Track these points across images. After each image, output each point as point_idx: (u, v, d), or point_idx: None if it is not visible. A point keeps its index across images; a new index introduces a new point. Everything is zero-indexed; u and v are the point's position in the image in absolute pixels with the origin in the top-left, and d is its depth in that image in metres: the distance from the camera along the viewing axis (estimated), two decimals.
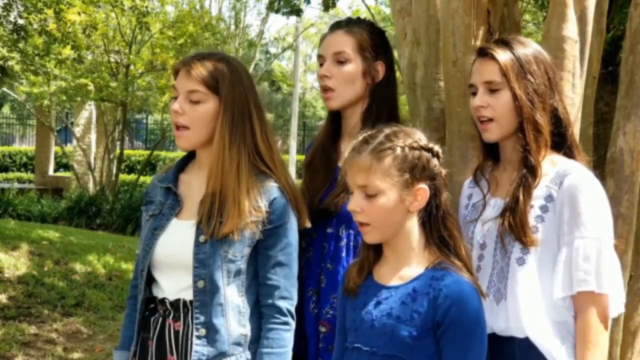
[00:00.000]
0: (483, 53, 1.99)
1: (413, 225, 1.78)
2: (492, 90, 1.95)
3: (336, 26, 2.29)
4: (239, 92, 2.01)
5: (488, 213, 1.98)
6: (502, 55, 1.94)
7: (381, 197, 1.74)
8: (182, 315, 1.97)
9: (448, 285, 1.71)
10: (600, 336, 1.83)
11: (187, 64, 2.01)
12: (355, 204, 1.77)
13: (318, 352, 2.15)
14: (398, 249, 1.79)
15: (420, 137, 1.78)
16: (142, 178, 16.19)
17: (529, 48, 1.97)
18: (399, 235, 1.78)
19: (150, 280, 2.05)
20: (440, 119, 2.52)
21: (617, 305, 1.89)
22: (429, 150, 1.77)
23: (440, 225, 1.78)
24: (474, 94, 1.99)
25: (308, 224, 2.07)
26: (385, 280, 1.81)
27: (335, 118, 2.33)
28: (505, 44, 1.97)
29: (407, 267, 1.78)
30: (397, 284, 1.78)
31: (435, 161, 1.78)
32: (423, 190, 1.75)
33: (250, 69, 19.82)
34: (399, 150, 1.74)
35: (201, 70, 1.99)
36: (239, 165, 1.97)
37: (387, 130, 1.78)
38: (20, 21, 8.73)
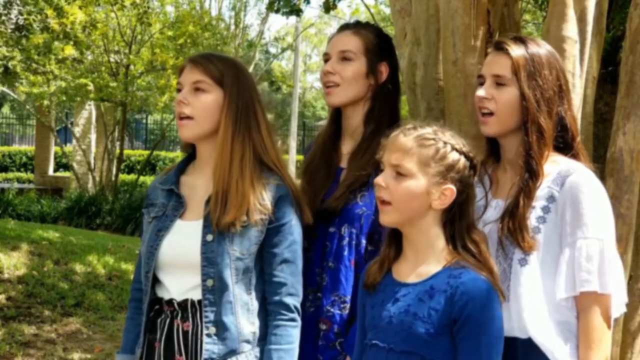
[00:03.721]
0: (498, 47, 1.99)
1: (434, 223, 1.79)
2: (499, 84, 1.95)
3: (344, 27, 2.33)
4: (244, 86, 2.04)
5: (489, 214, 1.97)
6: (516, 52, 1.94)
7: (411, 179, 1.76)
8: (190, 315, 1.97)
9: (465, 282, 1.72)
10: (603, 336, 1.83)
11: (192, 60, 2.05)
12: (383, 179, 1.79)
13: (317, 349, 2.15)
14: (418, 246, 1.81)
15: (465, 143, 1.81)
16: (142, 178, 16.18)
17: (543, 51, 1.96)
18: (419, 231, 1.79)
19: (154, 282, 2.04)
20: (440, 119, 2.51)
21: (619, 306, 1.89)
22: (470, 159, 1.80)
23: (465, 235, 1.79)
24: (482, 84, 1.99)
25: (310, 220, 2.08)
26: (404, 278, 1.82)
27: (336, 119, 2.33)
28: (522, 41, 1.97)
29: (425, 265, 1.79)
30: (415, 281, 1.79)
31: (471, 172, 1.80)
32: (451, 190, 1.77)
33: (250, 69, 19.80)
34: (441, 145, 1.77)
35: (206, 63, 2.02)
36: (243, 157, 1.98)
37: (436, 126, 1.82)
38: (22, 20, 8.72)
